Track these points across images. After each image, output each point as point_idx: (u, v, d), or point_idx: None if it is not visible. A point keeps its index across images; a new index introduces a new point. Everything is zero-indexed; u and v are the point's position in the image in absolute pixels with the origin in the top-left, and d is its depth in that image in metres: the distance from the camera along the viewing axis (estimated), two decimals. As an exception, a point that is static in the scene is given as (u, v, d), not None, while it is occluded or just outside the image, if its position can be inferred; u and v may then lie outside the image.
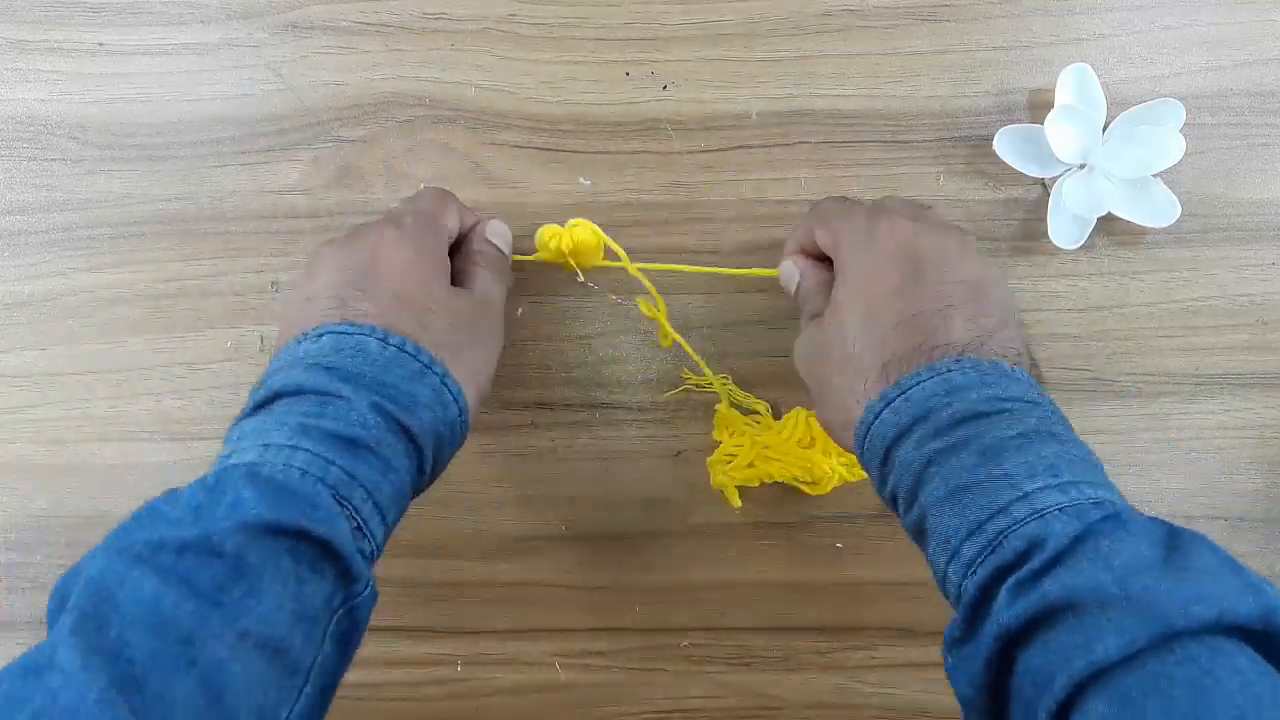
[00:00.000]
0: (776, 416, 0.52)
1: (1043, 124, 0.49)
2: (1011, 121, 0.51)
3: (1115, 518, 0.32)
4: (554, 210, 0.52)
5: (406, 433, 0.37)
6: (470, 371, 0.41)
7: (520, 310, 0.52)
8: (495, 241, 0.47)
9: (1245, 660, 0.28)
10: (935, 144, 0.52)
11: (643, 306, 0.51)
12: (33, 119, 0.53)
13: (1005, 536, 0.32)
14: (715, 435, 0.52)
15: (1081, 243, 0.51)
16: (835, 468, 0.49)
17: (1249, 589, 0.29)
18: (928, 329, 0.38)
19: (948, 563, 0.34)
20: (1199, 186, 0.52)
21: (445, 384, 0.39)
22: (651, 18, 0.52)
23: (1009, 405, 0.35)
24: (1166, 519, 0.33)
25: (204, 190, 0.53)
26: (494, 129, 0.52)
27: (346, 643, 0.35)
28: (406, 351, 0.38)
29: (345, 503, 0.34)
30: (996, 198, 0.52)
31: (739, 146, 0.52)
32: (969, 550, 0.33)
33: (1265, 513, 0.52)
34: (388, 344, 0.38)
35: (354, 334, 0.38)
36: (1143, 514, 0.33)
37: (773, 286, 0.52)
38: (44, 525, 0.54)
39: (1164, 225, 0.50)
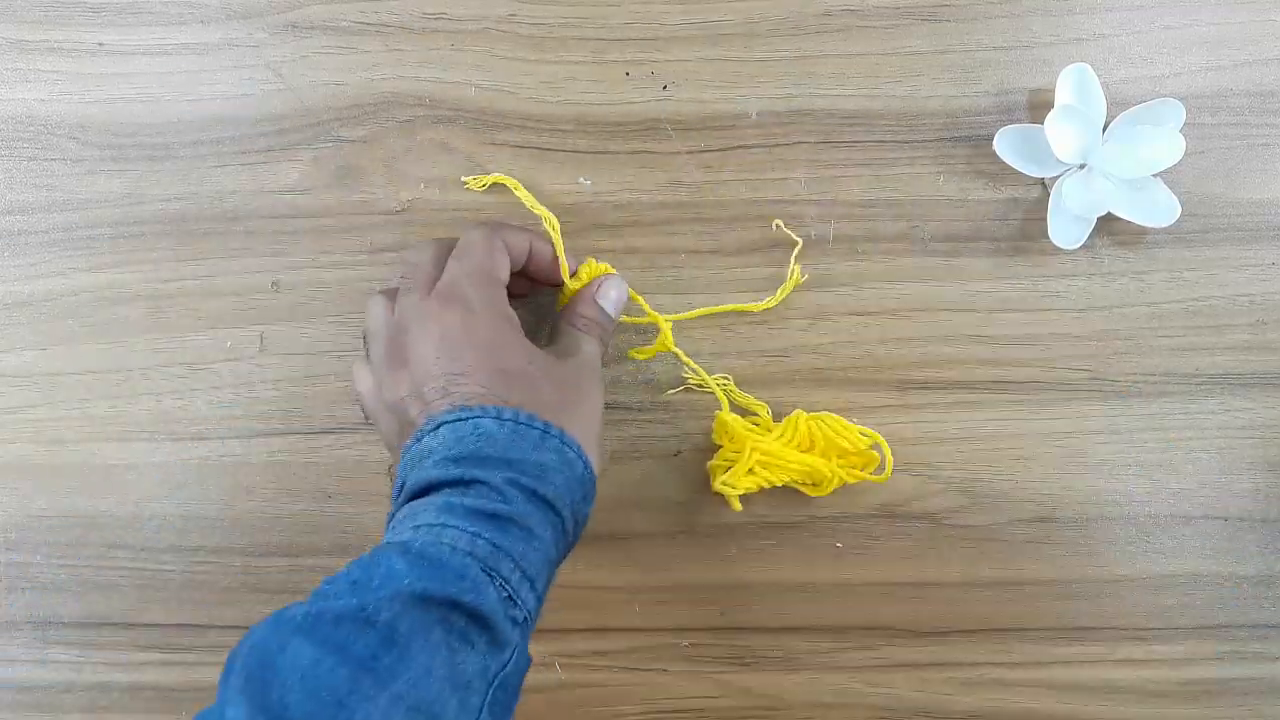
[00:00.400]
0: (777, 418, 0.52)
1: (1042, 124, 0.49)
2: (1011, 121, 0.51)
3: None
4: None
5: (544, 501, 0.38)
6: (584, 428, 0.41)
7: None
8: (606, 307, 0.48)
9: None
10: (935, 144, 0.52)
11: (637, 354, 0.52)
12: (33, 119, 0.53)
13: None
14: (714, 439, 0.52)
15: (1081, 243, 0.50)
16: (835, 470, 0.49)
17: None
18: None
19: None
20: (1199, 186, 0.52)
21: (565, 444, 0.39)
22: (651, 18, 0.52)
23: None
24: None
25: (204, 190, 0.53)
26: (494, 129, 0.52)
27: (505, 711, 0.35)
28: (522, 423, 0.39)
29: (494, 573, 0.35)
30: (996, 198, 0.52)
31: (739, 146, 0.52)
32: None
33: (1265, 513, 0.52)
34: (502, 420, 0.38)
35: (469, 418, 0.39)
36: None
37: (772, 288, 0.52)
38: (44, 525, 0.54)
39: (1164, 225, 0.50)
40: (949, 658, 0.53)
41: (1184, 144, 0.49)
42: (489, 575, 0.35)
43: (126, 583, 0.54)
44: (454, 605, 0.34)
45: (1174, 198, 0.50)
